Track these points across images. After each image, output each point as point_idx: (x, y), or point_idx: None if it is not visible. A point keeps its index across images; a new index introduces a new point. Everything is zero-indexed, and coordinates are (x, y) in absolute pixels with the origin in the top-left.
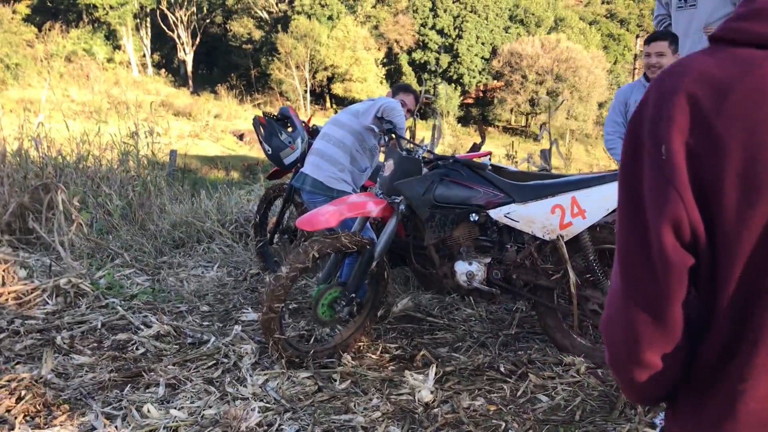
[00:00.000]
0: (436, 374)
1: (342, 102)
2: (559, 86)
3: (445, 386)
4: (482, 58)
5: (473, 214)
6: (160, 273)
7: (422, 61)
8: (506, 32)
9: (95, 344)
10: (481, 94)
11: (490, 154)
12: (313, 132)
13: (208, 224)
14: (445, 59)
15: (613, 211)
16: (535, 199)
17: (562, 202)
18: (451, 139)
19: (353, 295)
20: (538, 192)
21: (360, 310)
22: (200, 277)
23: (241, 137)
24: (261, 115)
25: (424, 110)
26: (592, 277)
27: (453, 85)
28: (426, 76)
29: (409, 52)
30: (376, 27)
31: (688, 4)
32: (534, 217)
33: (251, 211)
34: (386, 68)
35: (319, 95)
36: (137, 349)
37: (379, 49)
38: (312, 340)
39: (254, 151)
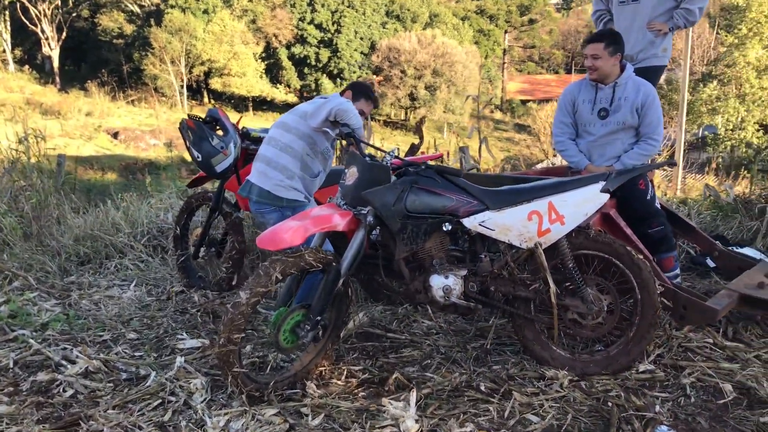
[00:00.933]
0: (416, 400)
1: (220, 97)
2: (437, 81)
3: (428, 412)
4: (361, 53)
5: (446, 224)
6: (69, 296)
7: (302, 56)
8: (384, 27)
9: (11, 388)
10: None
11: (442, 156)
12: (245, 135)
13: (118, 238)
14: (324, 54)
15: (592, 216)
16: (511, 206)
17: (539, 207)
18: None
19: (318, 318)
20: (514, 198)
21: (323, 333)
22: (117, 299)
23: (115, 135)
24: (188, 118)
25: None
26: (571, 285)
27: (333, 79)
28: (306, 70)
29: (289, 47)
30: (253, 21)
31: None
32: (510, 225)
33: (164, 221)
34: (265, 63)
35: (196, 90)
36: (64, 391)
37: (257, 44)
38: (268, 368)
39: (131, 149)
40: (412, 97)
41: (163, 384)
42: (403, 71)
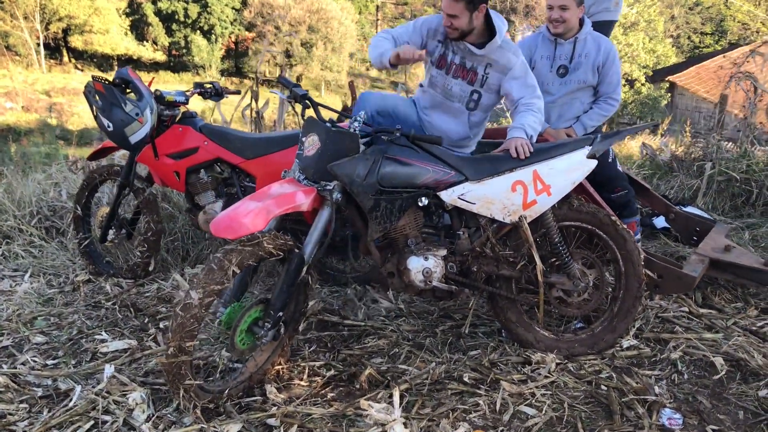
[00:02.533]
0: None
1: (82, 56)
2: (313, 37)
3: (412, 413)
4: (233, 8)
5: (422, 198)
6: None
7: (170, 11)
8: None
9: None
10: (233, 46)
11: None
12: (159, 99)
13: (1, 220)
14: (194, 9)
15: (579, 184)
16: (492, 176)
17: (523, 177)
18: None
19: (280, 313)
20: (495, 167)
21: (285, 329)
22: (11, 293)
23: None
24: (95, 80)
25: (176, 61)
26: (557, 261)
27: (204, 36)
28: (175, 27)
29: (155, 2)
30: None
31: None
32: (493, 197)
33: (57, 199)
34: (130, 19)
35: (54, 49)
36: None
37: None
38: (218, 372)
39: None
40: (288, 54)
41: (93, 400)
42: (277, 27)
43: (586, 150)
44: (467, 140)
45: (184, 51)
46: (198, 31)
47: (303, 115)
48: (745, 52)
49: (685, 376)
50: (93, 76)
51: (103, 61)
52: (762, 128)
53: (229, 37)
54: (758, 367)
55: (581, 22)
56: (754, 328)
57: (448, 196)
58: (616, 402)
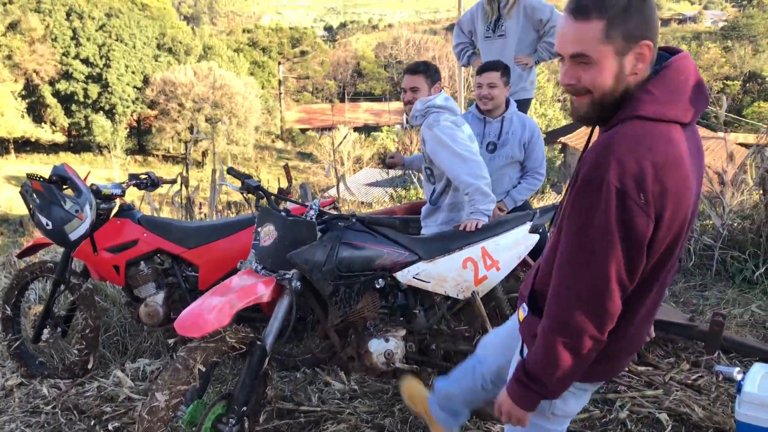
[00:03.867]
0: None
1: None
2: (218, 113)
3: None
4: (134, 87)
5: (379, 280)
6: None
7: (68, 92)
8: (156, 61)
9: None
10: (136, 124)
11: (334, 201)
12: (96, 193)
13: None
14: (94, 89)
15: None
16: (444, 254)
17: (472, 254)
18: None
19: (244, 408)
20: (446, 245)
21: (249, 423)
22: None
23: None
24: (32, 179)
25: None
26: None
27: (106, 115)
28: (75, 107)
29: (52, 83)
30: (9, 57)
31: (496, 34)
32: (446, 275)
33: None
34: (27, 101)
35: None
36: None
37: (15, 81)
38: None
39: None
40: (192, 130)
41: None
42: (180, 104)
43: (529, 225)
44: (437, 214)
45: (85, 131)
46: (100, 111)
47: (257, 206)
48: None
49: None
50: (29, 175)
51: None
52: None
53: (131, 115)
54: (700, 420)
55: (507, 103)
56: (689, 381)
57: (404, 276)
58: None
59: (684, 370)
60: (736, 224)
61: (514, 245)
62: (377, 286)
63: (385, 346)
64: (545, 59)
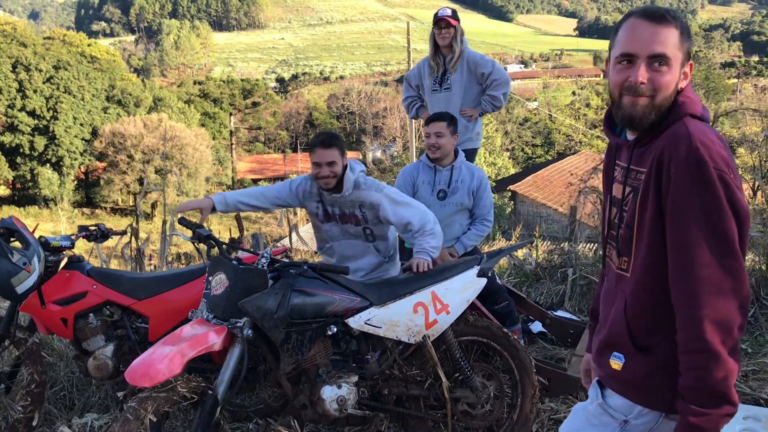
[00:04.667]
0: None
1: None
2: (168, 164)
3: None
4: (83, 139)
5: (331, 326)
6: None
7: (14, 145)
8: (105, 113)
9: None
10: (84, 176)
11: (286, 250)
12: (44, 245)
13: None
14: (40, 142)
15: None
16: (395, 299)
17: (422, 299)
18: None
19: None
20: (396, 290)
21: None
22: None
23: None
24: None
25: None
26: (460, 376)
27: (53, 168)
28: (20, 160)
29: None
30: None
31: (443, 87)
32: (397, 320)
33: None
34: None
35: None
36: None
37: None
38: None
39: None
40: (142, 182)
41: None
42: (130, 156)
43: (476, 269)
44: (385, 264)
45: (30, 184)
46: (46, 164)
47: (208, 256)
48: (580, 165)
49: None
50: None
51: None
52: None
53: (79, 167)
54: None
55: (456, 153)
56: None
57: (356, 322)
58: None
59: None
60: None
61: (463, 289)
62: (329, 333)
63: (338, 393)
64: (488, 111)
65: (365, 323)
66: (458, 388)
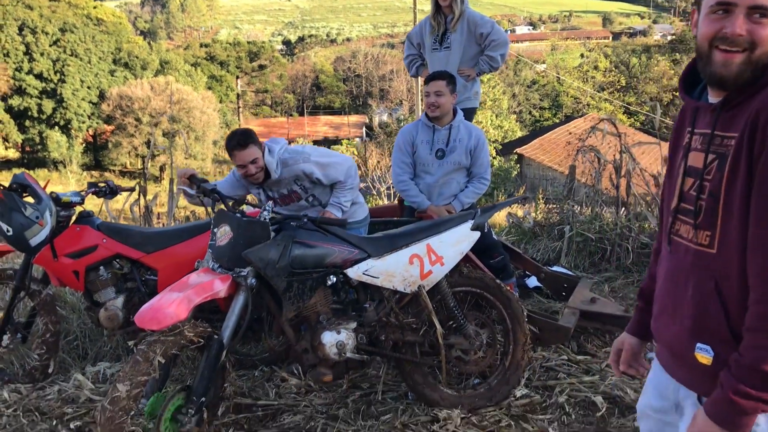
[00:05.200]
0: None
1: None
2: (175, 127)
3: None
4: (90, 102)
5: (331, 276)
6: None
7: (22, 108)
8: (112, 76)
9: None
10: (92, 139)
11: None
12: (56, 201)
13: None
14: (48, 105)
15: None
16: (391, 251)
17: (418, 251)
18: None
19: (203, 399)
20: (393, 243)
21: (208, 414)
22: None
23: None
24: None
25: (30, 158)
26: (454, 324)
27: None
28: (28, 123)
29: (5, 99)
30: None
31: (443, 46)
32: (393, 271)
33: None
34: None
35: None
36: None
37: None
38: None
39: None
40: (150, 145)
41: None
42: (137, 119)
43: (470, 223)
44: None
45: (39, 147)
46: (54, 127)
47: (213, 208)
48: (586, 128)
49: (573, 417)
50: None
51: None
52: (607, 193)
53: (87, 130)
54: (632, 402)
55: (455, 112)
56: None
57: (354, 272)
58: None
59: None
60: None
61: (457, 242)
62: (329, 282)
63: (337, 338)
64: (485, 71)
65: (363, 273)
66: (452, 336)
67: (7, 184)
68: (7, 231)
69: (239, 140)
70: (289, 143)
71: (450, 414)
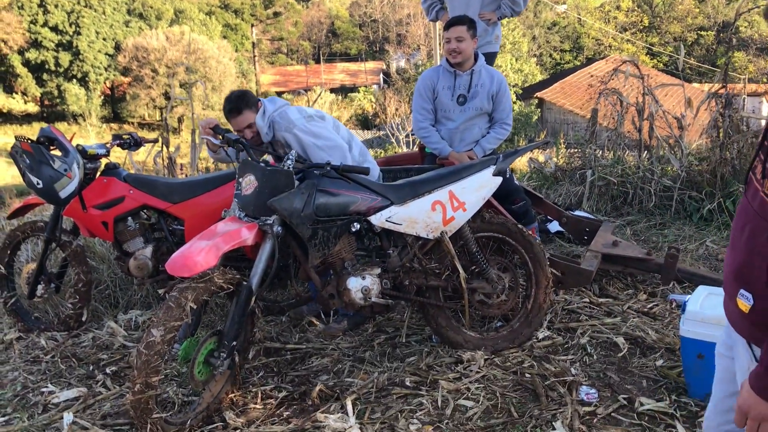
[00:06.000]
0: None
1: None
2: (192, 77)
3: (365, 418)
4: (106, 54)
5: (354, 224)
6: None
7: (39, 61)
8: (127, 26)
9: None
10: (109, 91)
11: None
12: (82, 153)
13: None
14: (65, 57)
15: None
16: (413, 198)
17: (440, 197)
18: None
19: (234, 343)
20: (415, 190)
21: (239, 358)
22: None
23: None
24: (21, 140)
25: (49, 112)
26: (477, 268)
27: (79, 84)
28: (46, 76)
29: (22, 52)
30: None
31: None
32: (416, 217)
33: None
34: None
35: None
36: None
37: None
38: (176, 406)
39: None
40: (167, 96)
41: None
42: (154, 70)
43: (492, 169)
44: None
45: (58, 100)
46: (72, 79)
47: (237, 158)
48: (608, 71)
49: (594, 357)
50: (17, 137)
51: None
52: (630, 136)
53: (105, 83)
54: (653, 342)
55: (476, 57)
56: (645, 309)
57: (377, 219)
58: (540, 386)
59: (641, 300)
60: (693, 166)
61: (479, 188)
62: (353, 230)
63: (362, 283)
64: (507, 16)
65: (386, 220)
66: (474, 280)
67: (34, 138)
68: (37, 183)
69: (234, 105)
70: (306, 91)
71: (473, 355)
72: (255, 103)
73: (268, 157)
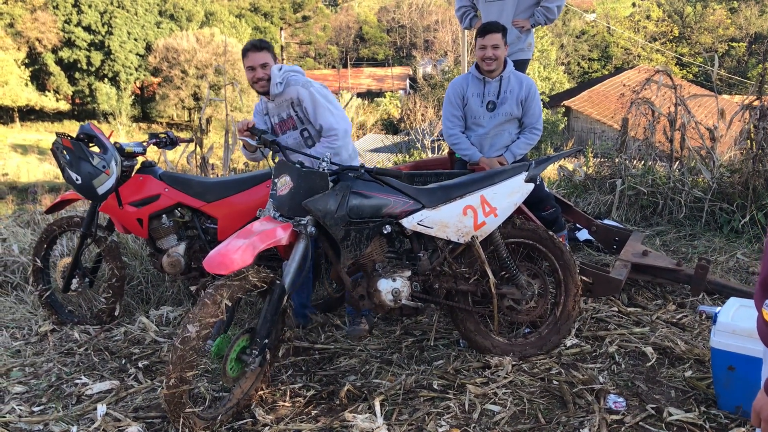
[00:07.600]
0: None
1: None
2: (221, 80)
3: (393, 420)
4: (137, 54)
5: (386, 226)
6: None
7: (71, 60)
8: (158, 27)
9: None
10: (139, 91)
11: None
12: (119, 151)
13: None
14: (97, 57)
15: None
16: (445, 202)
17: (472, 202)
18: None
19: (266, 340)
20: (447, 194)
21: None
22: None
23: None
24: (62, 137)
25: (80, 110)
26: (506, 274)
27: (110, 83)
28: (78, 75)
29: (55, 51)
30: (11, 25)
31: None
32: (447, 221)
33: (7, 255)
34: (30, 69)
35: None
36: None
37: (18, 49)
38: (207, 401)
39: None
40: (196, 97)
41: None
42: (183, 71)
43: (524, 175)
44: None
45: (89, 99)
46: (103, 79)
47: (273, 159)
48: (639, 80)
49: (623, 366)
50: (58, 134)
51: (3, 113)
52: (660, 147)
53: (135, 82)
54: (682, 353)
55: (505, 63)
56: (674, 320)
57: (409, 222)
58: (568, 393)
59: (670, 311)
60: (725, 178)
61: (511, 193)
62: (385, 232)
63: (393, 285)
64: (540, 23)
65: (418, 224)
66: (504, 285)
67: (74, 135)
68: (76, 180)
69: (256, 43)
70: (336, 95)
71: (501, 361)
72: (275, 55)
73: (302, 158)
